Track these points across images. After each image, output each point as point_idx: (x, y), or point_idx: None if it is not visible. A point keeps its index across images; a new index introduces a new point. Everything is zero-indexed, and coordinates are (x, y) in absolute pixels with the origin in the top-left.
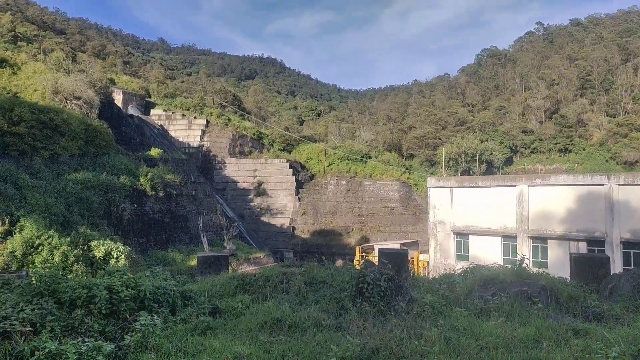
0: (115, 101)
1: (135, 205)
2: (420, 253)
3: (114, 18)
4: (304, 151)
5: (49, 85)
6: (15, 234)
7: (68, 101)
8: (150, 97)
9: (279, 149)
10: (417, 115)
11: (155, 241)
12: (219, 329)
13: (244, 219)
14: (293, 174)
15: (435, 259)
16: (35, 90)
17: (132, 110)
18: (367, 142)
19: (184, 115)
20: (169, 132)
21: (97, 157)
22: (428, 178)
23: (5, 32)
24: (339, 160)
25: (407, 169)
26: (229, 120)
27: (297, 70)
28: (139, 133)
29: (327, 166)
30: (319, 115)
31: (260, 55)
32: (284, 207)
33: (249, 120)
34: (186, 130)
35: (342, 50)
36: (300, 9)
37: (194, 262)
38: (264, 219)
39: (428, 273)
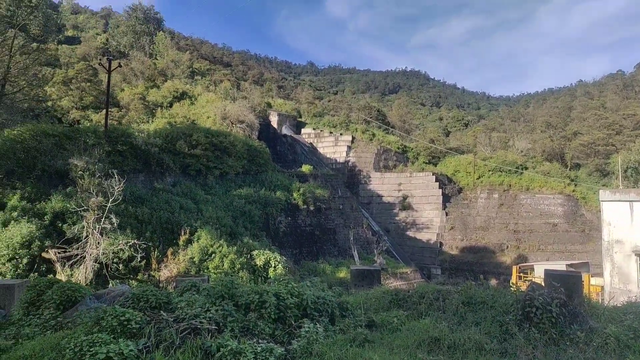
0: (271, 123)
1: (289, 218)
2: (591, 276)
3: (270, 47)
4: (451, 163)
5: (219, 112)
6: (194, 242)
7: (234, 125)
8: (301, 117)
9: (424, 162)
10: (583, 119)
11: (306, 252)
12: (376, 342)
13: (389, 233)
14: (439, 187)
15: (612, 283)
16: (208, 117)
17: (285, 130)
18: (522, 151)
19: (331, 132)
20: (318, 149)
21: (257, 175)
22: (600, 190)
23: (185, 69)
24: (490, 172)
25: (572, 180)
26: (373, 135)
27: (441, 81)
28: (292, 151)
29: (477, 179)
30: (466, 125)
31: (403, 68)
32: (430, 221)
33: (393, 134)
34: (333, 147)
35: (492, 55)
36: (446, 17)
37: (342, 274)
38: (410, 233)
39: (604, 300)
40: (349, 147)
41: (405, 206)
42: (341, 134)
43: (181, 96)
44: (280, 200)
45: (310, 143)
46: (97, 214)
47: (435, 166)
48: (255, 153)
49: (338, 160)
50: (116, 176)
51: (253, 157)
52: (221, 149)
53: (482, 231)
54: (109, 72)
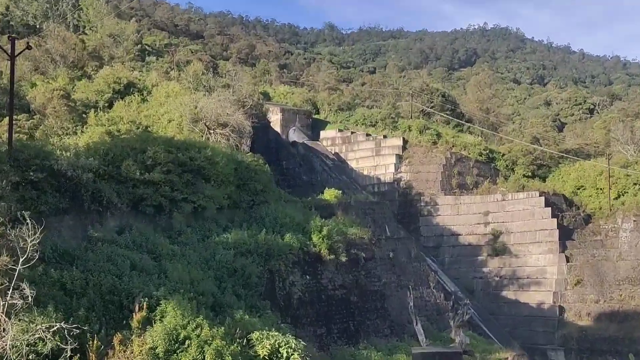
0: (271, 124)
1: (308, 277)
2: None
3: (265, 5)
4: (570, 175)
5: (187, 112)
6: (155, 322)
7: (211, 131)
8: (318, 113)
9: (524, 176)
10: None
11: (339, 332)
12: None
13: (473, 295)
14: (553, 216)
15: None
16: (170, 121)
17: (294, 136)
18: None
19: (368, 135)
20: (348, 162)
21: (253, 208)
22: None
23: (131, 46)
24: (637, 187)
25: None
26: (438, 135)
27: (545, 42)
28: (306, 168)
29: (615, 198)
30: (590, 111)
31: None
32: (540, 273)
33: (470, 132)
34: (373, 158)
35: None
36: None
37: None
38: (508, 293)
39: None
40: (400, 157)
41: (498, 249)
42: (385, 137)
43: (126, 89)
44: (291, 248)
45: (336, 153)
46: (1, 284)
47: (544, 181)
48: (248, 174)
49: (382, 178)
50: (29, 221)
51: (245, 181)
52: (193, 170)
53: (630, 285)
54: (12, 58)
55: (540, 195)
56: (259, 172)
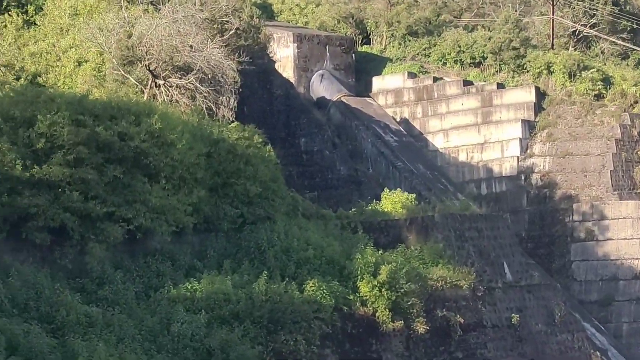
0: (278, 66)
1: None
2: None
3: None
4: None
5: (113, 45)
6: None
7: (160, 82)
8: (368, 43)
9: None
10: None
11: None
12: None
13: None
14: None
15: None
16: (79, 63)
17: (321, 88)
18: None
19: (467, 83)
20: (428, 136)
21: (243, 230)
22: None
23: None
24: None
25: None
26: (607, 80)
27: None
28: (346, 149)
29: None
30: None
31: None
32: None
33: None
34: (477, 129)
35: None
36: None
37: None
38: None
39: None
40: (530, 127)
41: None
42: (501, 86)
43: None
44: (319, 308)
45: (405, 120)
46: None
47: None
48: (234, 164)
49: (497, 169)
50: None
51: (227, 179)
52: (126, 159)
53: None
54: None
55: None
56: (255, 161)
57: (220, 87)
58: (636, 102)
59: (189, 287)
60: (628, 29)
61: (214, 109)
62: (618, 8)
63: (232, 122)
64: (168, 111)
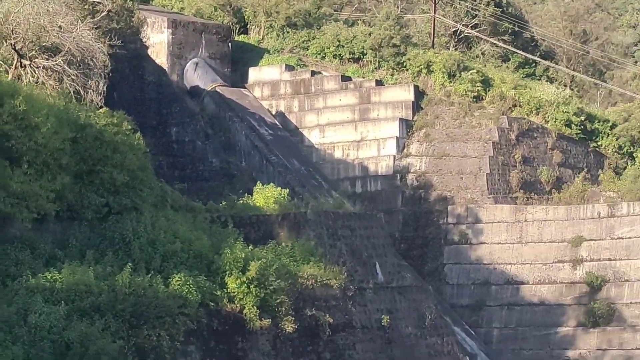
0: (151, 52)
1: None
2: None
3: None
4: None
5: None
6: None
7: (25, 62)
8: (245, 33)
9: None
10: None
11: None
12: None
13: None
14: None
15: None
16: None
17: (196, 76)
18: None
19: (345, 78)
20: (304, 131)
21: (108, 220)
22: None
23: None
24: None
25: None
26: (486, 82)
27: None
28: (220, 141)
29: None
30: None
31: None
32: None
33: (551, 80)
34: (354, 126)
35: None
36: None
37: None
38: None
39: None
40: (408, 126)
41: (599, 313)
42: (380, 83)
43: None
44: (185, 303)
45: (281, 113)
46: None
47: None
48: (101, 151)
49: (373, 167)
50: None
51: (93, 166)
52: None
53: None
54: None
55: None
56: (123, 148)
57: (90, 70)
58: (514, 105)
59: (49, 277)
60: (509, 31)
61: (82, 93)
62: (500, 10)
63: (101, 107)
64: (33, 93)
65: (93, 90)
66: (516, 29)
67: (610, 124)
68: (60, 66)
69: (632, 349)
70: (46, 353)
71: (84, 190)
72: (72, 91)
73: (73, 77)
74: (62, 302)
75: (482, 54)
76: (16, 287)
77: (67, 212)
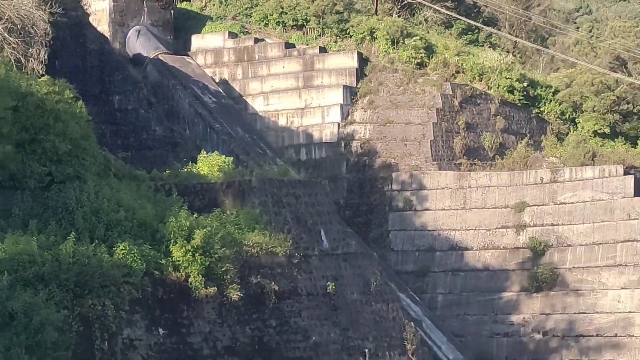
0: (92, 19)
1: (162, 330)
2: None
3: None
4: None
5: None
6: None
7: None
8: (187, 0)
9: (595, 133)
10: None
11: None
12: None
13: None
14: None
15: None
16: None
17: (138, 44)
18: None
19: (289, 46)
20: (248, 99)
21: (50, 189)
22: None
23: None
24: None
25: None
26: (429, 49)
27: None
28: (163, 109)
29: None
30: None
31: None
32: (624, 325)
33: (494, 47)
34: (298, 93)
35: None
36: None
37: None
38: None
39: None
40: (352, 93)
41: (542, 278)
42: (324, 50)
43: None
44: (129, 272)
45: (224, 81)
46: None
47: (635, 145)
48: (43, 120)
49: (317, 135)
50: None
51: (35, 134)
52: None
53: None
54: None
55: (627, 173)
56: (65, 117)
57: (30, 38)
58: (458, 72)
59: None
60: None
61: (23, 61)
62: None
63: (42, 75)
64: None
65: (34, 59)
66: None
67: (552, 90)
68: (1, 34)
69: (575, 313)
70: None
71: (26, 159)
72: (12, 59)
73: (14, 45)
74: (5, 272)
75: (425, 20)
76: None
77: (9, 182)
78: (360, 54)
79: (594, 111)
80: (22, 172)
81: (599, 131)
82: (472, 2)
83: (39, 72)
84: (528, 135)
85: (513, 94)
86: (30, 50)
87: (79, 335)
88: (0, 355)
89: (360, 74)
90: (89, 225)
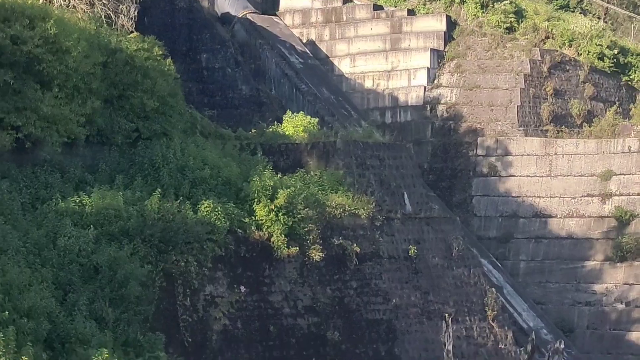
0: None
1: (244, 288)
2: None
3: None
4: None
5: None
6: None
7: None
8: None
9: None
10: None
11: None
12: None
13: (574, 336)
14: None
15: None
16: None
17: (226, 3)
18: None
19: (376, 7)
20: (334, 60)
21: (137, 145)
22: None
23: None
24: None
25: None
26: (519, 13)
27: None
28: (249, 69)
29: None
30: None
31: None
32: None
33: (584, 12)
34: (384, 55)
35: None
36: None
37: None
38: None
39: None
40: (439, 57)
41: (627, 248)
42: (412, 12)
43: None
44: (212, 230)
45: (311, 42)
46: None
47: None
48: (131, 77)
49: (402, 98)
50: None
51: (123, 91)
52: (17, 64)
53: None
54: None
55: None
56: (153, 74)
57: None
58: (547, 37)
59: (78, 201)
60: None
61: (113, 17)
62: None
63: (132, 32)
64: (64, 17)
65: (124, 15)
66: None
67: None
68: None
69: None
70: (75, 276)
71: (114, 115)
72: (103, 15)
73: (104, 1)
74: (92, 226)
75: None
76: (46, 210)
77: (97, 137)
78: (448, 17)
79: None
80: (110, 127)
81: None
82: None
83: (128, 28)
84: (617, 103)
85: (603, 61)
86: (120, 6)
87: (162, 291)
88: (84, 308)
89: (448, 37)
90: (174, 182)
